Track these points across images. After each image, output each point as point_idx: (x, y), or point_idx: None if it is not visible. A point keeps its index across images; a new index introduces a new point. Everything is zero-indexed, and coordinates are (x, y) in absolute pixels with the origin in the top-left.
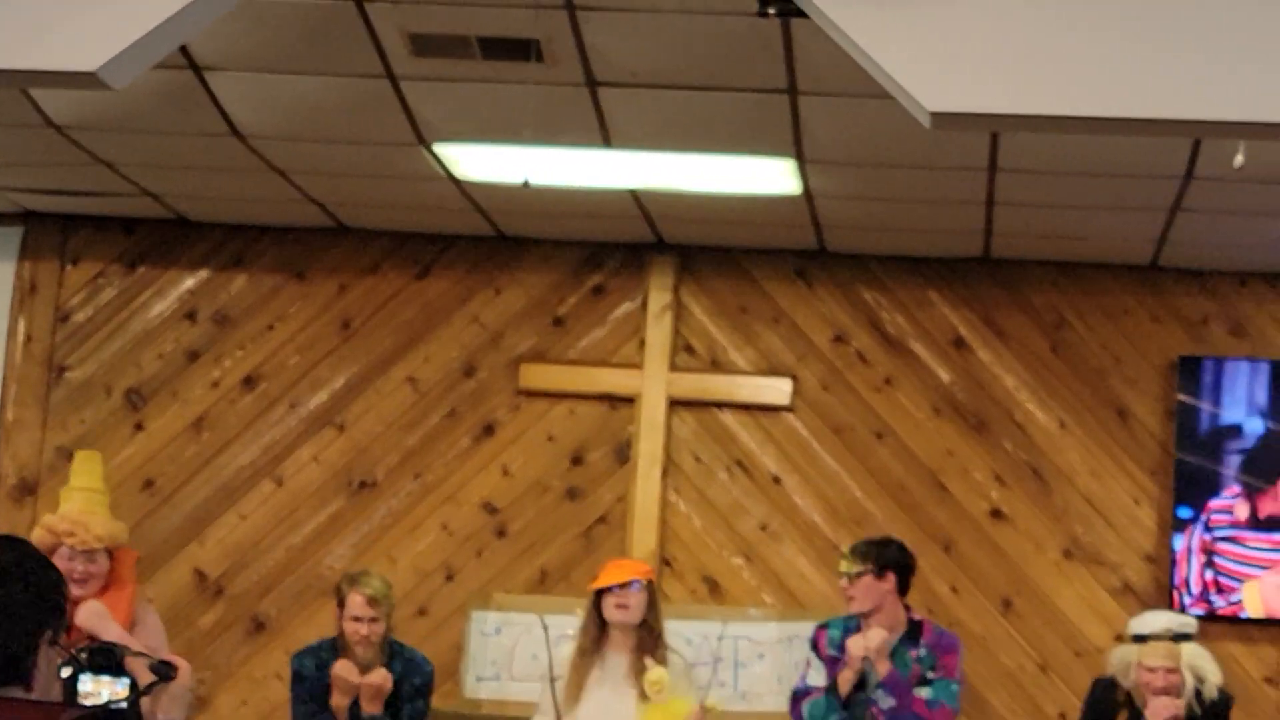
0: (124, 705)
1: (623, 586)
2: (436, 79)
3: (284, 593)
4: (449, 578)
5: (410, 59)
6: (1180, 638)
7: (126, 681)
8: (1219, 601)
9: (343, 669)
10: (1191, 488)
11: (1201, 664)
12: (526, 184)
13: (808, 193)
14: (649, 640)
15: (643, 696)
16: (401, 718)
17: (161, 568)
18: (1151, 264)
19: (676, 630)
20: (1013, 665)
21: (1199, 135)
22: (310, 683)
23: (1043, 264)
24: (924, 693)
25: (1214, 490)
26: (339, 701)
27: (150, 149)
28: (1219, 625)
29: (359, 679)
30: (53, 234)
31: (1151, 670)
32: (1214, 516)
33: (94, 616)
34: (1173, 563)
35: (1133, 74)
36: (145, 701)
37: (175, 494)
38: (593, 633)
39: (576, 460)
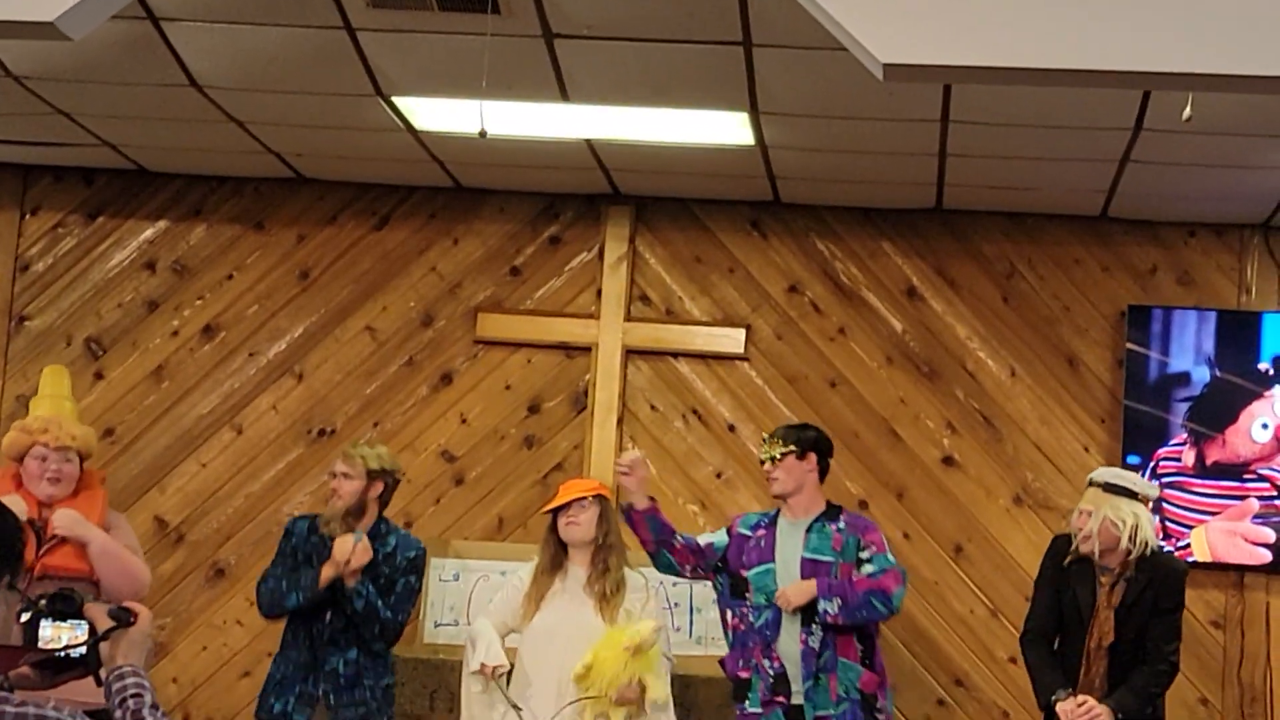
0: (83, 650)
1: (570, 504)
2: (394, 30)
3: (244, 540)
4: (407, 525)
5: (368, 11)
6: (1109, 487)
7: (85, 627)
8: (1167, 547)
9: (342, 543)
10: (1140, 435)
11: (1116, 513)
12: (483, 135)
13: (762, 144)
14: (601, 553)
15: (607, 610)
16: (396, 589)
17: (122, 515)
18: (1101, 215)
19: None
20: (963, 610)
21: (1148, 87)
22: (296, 540)
23: (994, 215)
24: (866, 569)
25: (1162, 438)
26: (327, 571)
27: (109, 99)
28: None
29: (347, 557)
30: (12, 184)
31: (1080, 513)
32: (1162, 464)
33: (72, 521)
34: None
35: (1083, 26)
36: (104, 647)
37: (135, 442)
38: (551, 550)
39: (533, 409)
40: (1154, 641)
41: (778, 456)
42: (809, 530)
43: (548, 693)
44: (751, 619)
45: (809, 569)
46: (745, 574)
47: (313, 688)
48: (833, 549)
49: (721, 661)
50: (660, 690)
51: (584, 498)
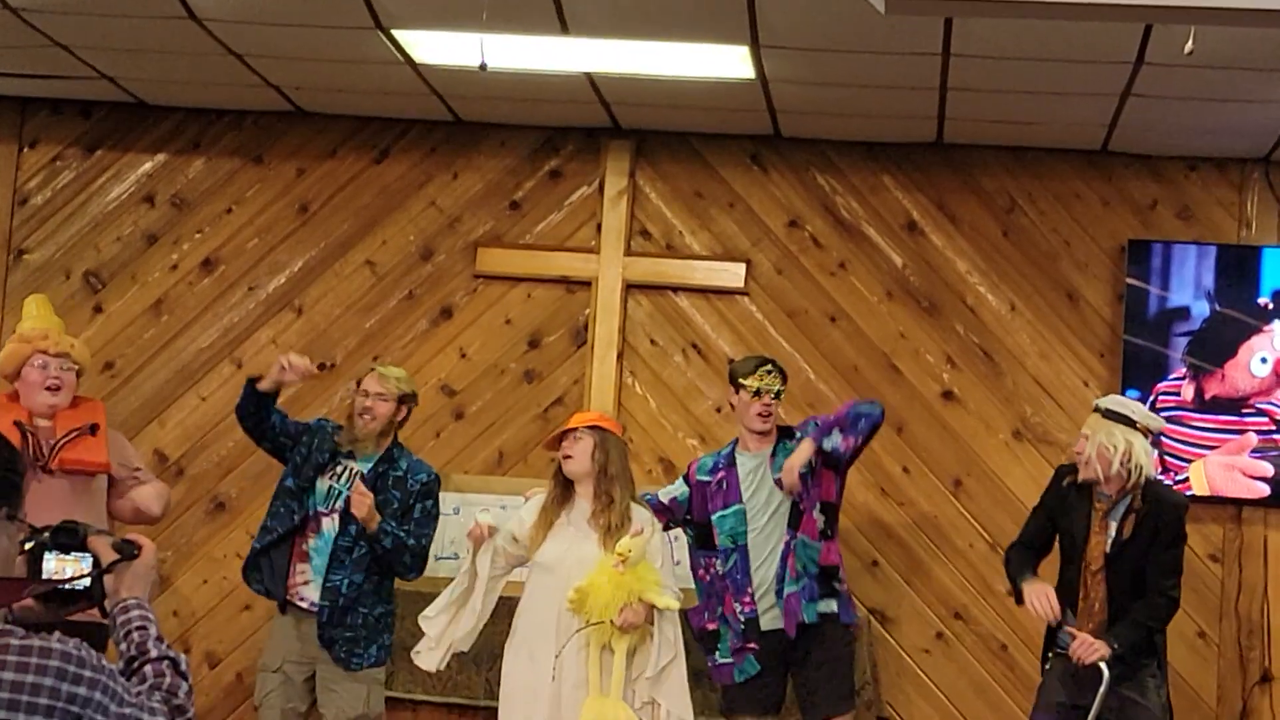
0: (87, 582)
1: (565, 436)
2: None
3: (244, 474)
4: None
5: None
6: (1109, 414)
7: (89, 559)
8: (1166, 481)
9: (300, 360)
10: (1139, 370)
11: (1114, 439)
12: (484, 68)
13: (763, 78)
14: (604, 484)
15: (604, 543)
16: (413, 515)
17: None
18: (1102, 149)
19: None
20: (963, 544)
21: (1150, 20)
22: (318, 430)
23: (995, 149)
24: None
25: (1161, 372)
26: (271, 377)
27: (107, 32)
28: None
29: (307, 368)
30: (10, 116)
31: (1080, 438)
32: (1161, 398)
33: (122, 446)
34: None
35: None
36: (109, 579)
37: (135, 376)
38: (558, 485)
39: (533, 343)
40: (1153, 576)
41: (780, 392)
42: (773, 454)
43: (548, 625)
44: (718, 566)
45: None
46: (711, 518)
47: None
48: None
49: (686, 616)
50: (666, 599)
51: (575, 429)
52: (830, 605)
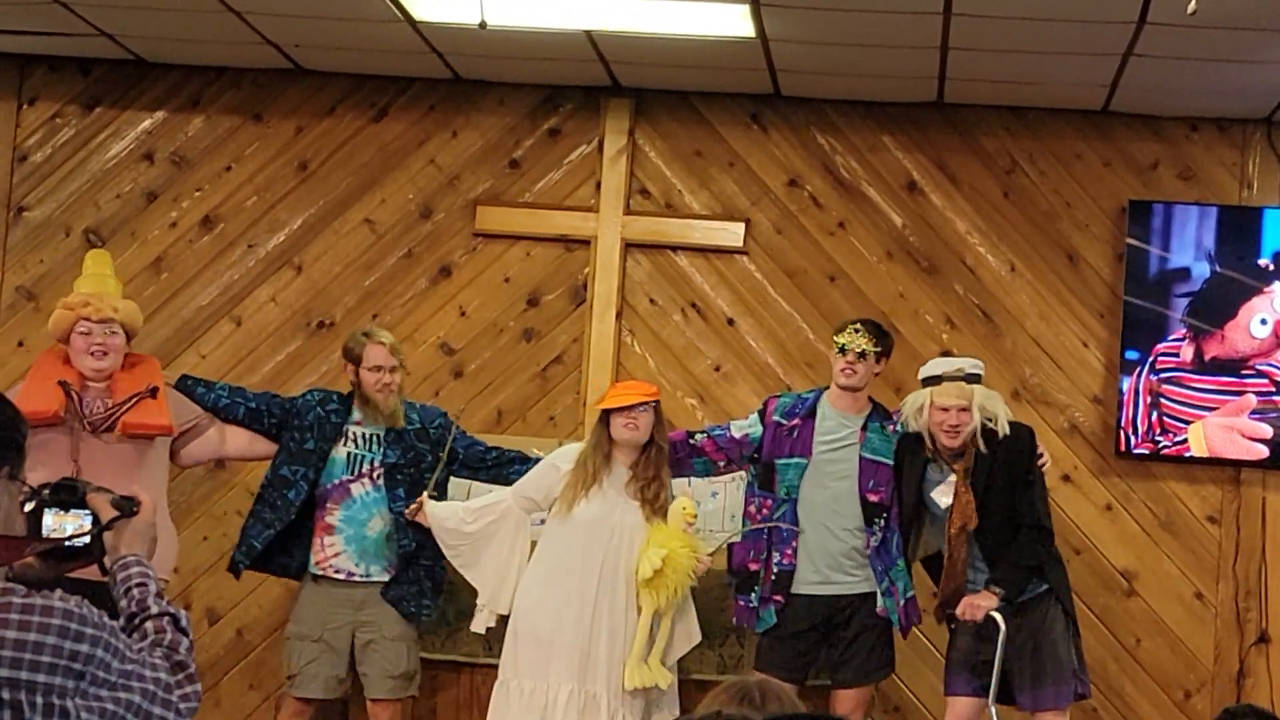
0: (87, 540)
1: (632, 408)
2: None
3: None
4: None
5: None
6: (972, 379)
7: (89, 516)
8: (1164, 442)
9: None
10: (1139, 331)
11: (990, 404)
12: (483, 26)
13: (763, 36)
14: (654, 459)
15: (652, 515)
16: (456, 455)
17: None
18: (1103, 109)
19: None
20: None
21: None
22: (304, 404)
23: (995, 109)
24: None
25: (1161, 333)
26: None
27: None
28: (1164, 465)
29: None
30: (9, 73)
31: (945, 410)
32: (1160, 359)
33: (179, 403)
34: (1120, 404)
35: None
36: (108, 536)
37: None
38: (604, 448)
39: (532, 302)
40: (1021, 515)
41: (868, 353)
42: (865, 429)
43: (582, 578)
44: (771, 511)
45: (869, 470)
46: (775, 462)
47: (259, 543)
48: (892, 449)
49: (730, 549)
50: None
51: (645, 403)
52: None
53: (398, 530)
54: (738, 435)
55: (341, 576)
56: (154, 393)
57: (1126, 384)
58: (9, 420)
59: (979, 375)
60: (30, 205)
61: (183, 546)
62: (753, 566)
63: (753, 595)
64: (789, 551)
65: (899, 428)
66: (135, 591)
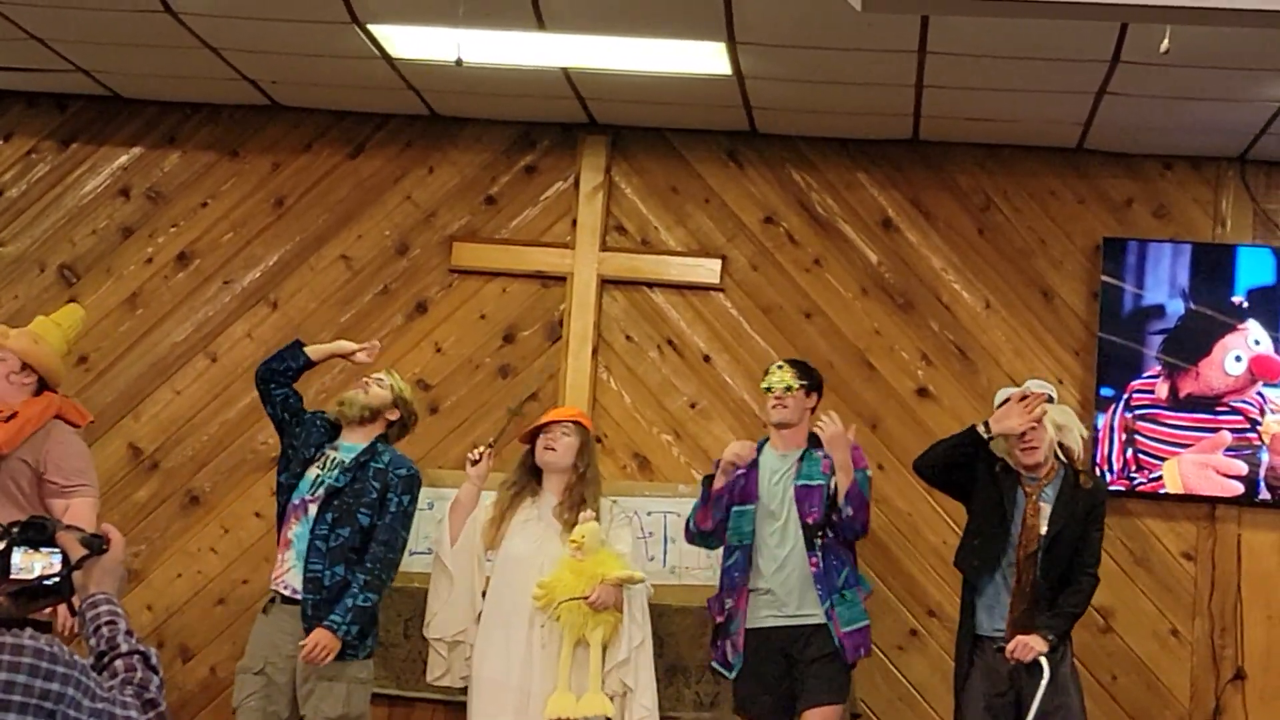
0: (56, 579)
1: (550, 426)
2: None
3: (218, 468)
4: None
5: None
6: (1048, 400)
7: (59, 555)
8: (1139, 479)
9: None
10: (1114, 367)
11: (1064, 419)
12: (460, 63)
13: (739, 74)
14: (579, 486)
15: (568, 540)
16: (389, 509)
17: (96, 442)
18: (1078, 147)
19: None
20: (936, 541)
21: (1126, 19)
22: (310, 416)
23: (970, 146)
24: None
25: (1136, 370)
26: (324, 346)
27: (83, 25)
28: (1140, 501)
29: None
30: None
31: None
32: (1135, 396)
33: (65, 453)
34: (1095, 440)
35: None
36: (77, 575)
37: (109, 369)
38: (523, 472)
39: (508, 338)
40: (1081, 564)
41: (793, 387)
42: (800, 459)
43: (519, 618)
44: (723, 560)
45: (803, 495)
46: (731, 512)
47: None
48: (822, 472)
49: (708, 603)
50: (630, 570)
51: (564, 422)
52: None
53: (312, 554)
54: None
55: (289, 592)
56: (10, 417)
57: (1102, 421)
58: None
59: (1052, 396)
60: (5, 240)
61: (156, 584)
62: (719, 619)
63: (728, 644)
64: (742, 594)
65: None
66: (105, 629)
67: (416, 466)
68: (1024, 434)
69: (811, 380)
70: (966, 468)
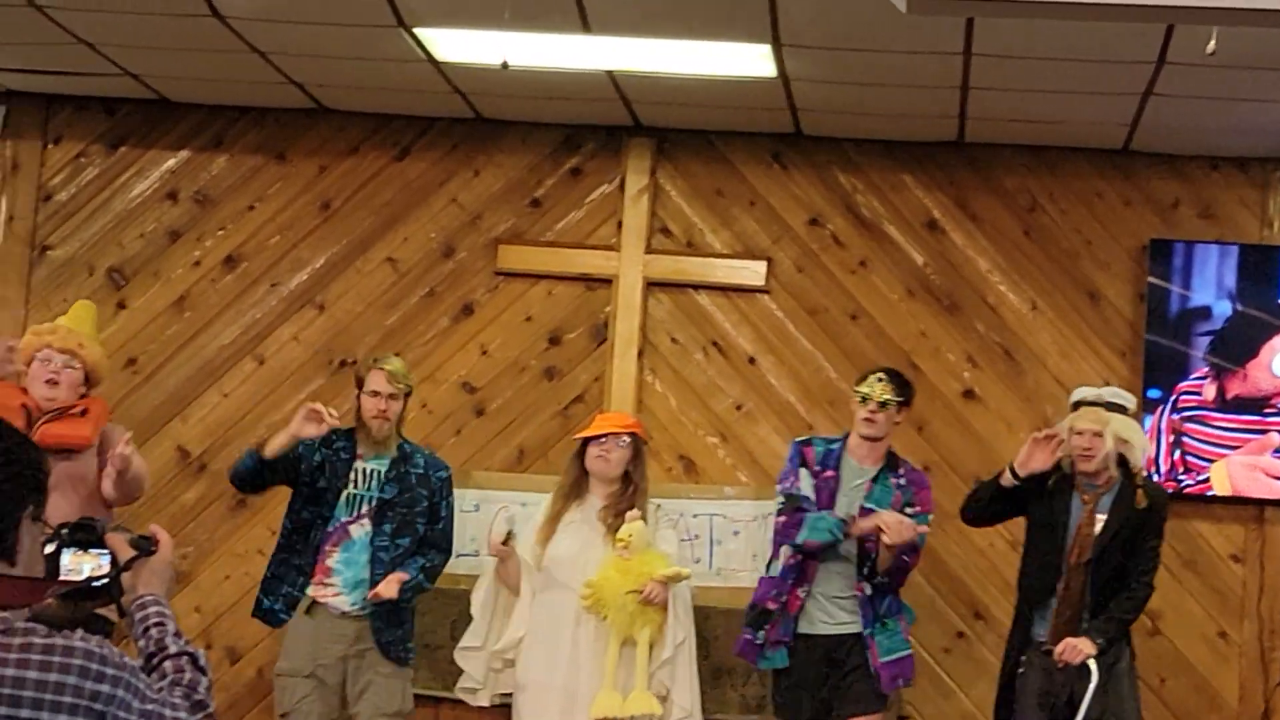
0: (105, 580)
1: (605, 438)
2: None
3: None
4: None
5: None
6: (1112, 407)
7: (108, 556)
8: (1187, 480)
9: (317, 408)
10: (1161, 369)
11: (1128, 432)
12: (505, 66)
13: (784, 77)
14: (629, 492)
15: (613, 543)
16: (439, 516)
17: (144, 444)
18: (1124, 148)
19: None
20: (983, 543)
21: (1172, 21)
22: (306, 447)
23: (1016, 148)
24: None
25: (1183, 372)
26: (281, 439)
27: (130, 29)
28: (1187, 504)
29: (333, 422)
30: (34, 113)
31: (1079, 433)
32: (1183, 398)
33: (116, 435)
34: None
35: None
36: (126, 576)
37: (157, 372)
38: (573, 476)
39: (554, 340)
40: (1136, 571)
41: (889, 403)
42: (875, 480)
43: (564, 621)
44: (788, 555)
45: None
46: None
47: (299, 592)
48: (891, 506)
49: (760, 582)
50: (676, 567)
51: (622, 435)
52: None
53: (376, 566)
54: (808, 496)
55: (337, 615)
56: (83, 412)
57: (1149, 423)
58: (33, 461)
59: (1123, 407)
60: (54, 244)
61: (204, 586)
62: (770, 605)
63: (760, 634)
64: (799, 594)
65: (902, 481)
66: (153, 631)
67: (445, 461)
68: (1085, 445)
69: (906, 397)
70: (1012, 498)
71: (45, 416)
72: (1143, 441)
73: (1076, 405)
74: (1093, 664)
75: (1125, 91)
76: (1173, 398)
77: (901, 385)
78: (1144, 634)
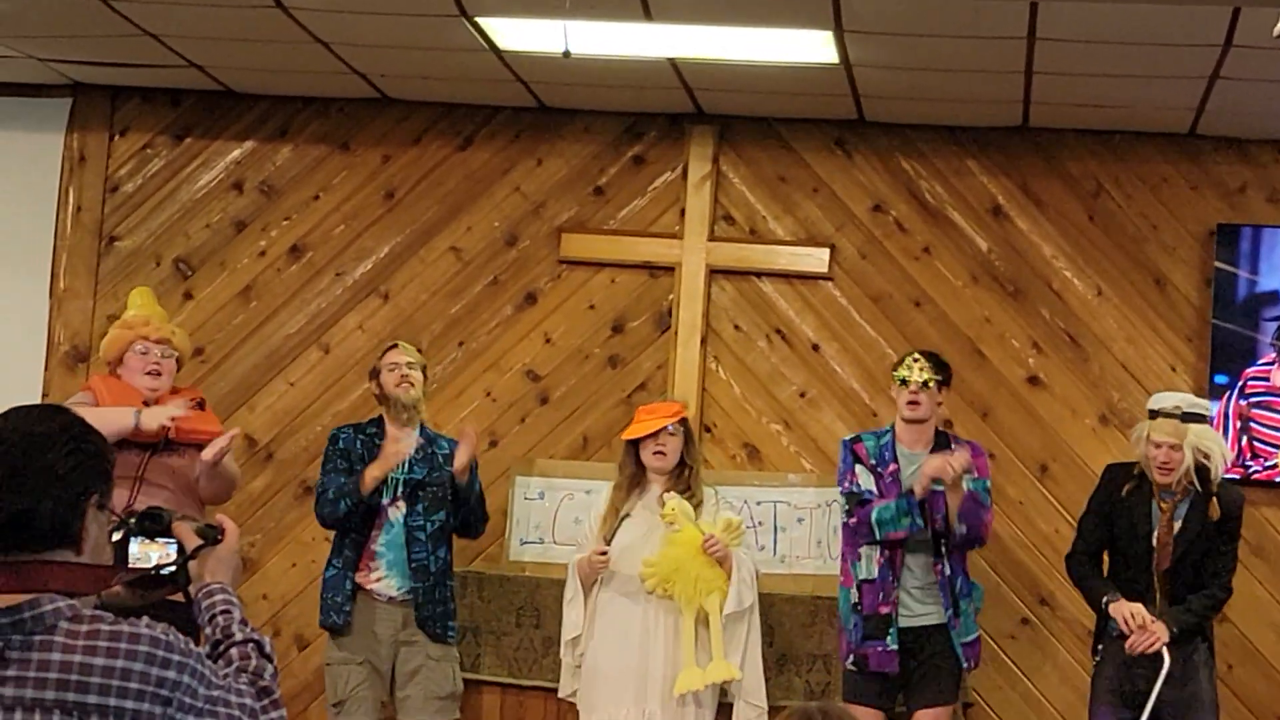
0: (172, 568)
1: (656, 434)
2: None
3: None
4: (493, 444)
5: None
6: (1189, 417)
7: (175, 544)
8: (1254, 466)
9: (395, 444)
10: (1228, 355)
11: (1207, 443)
12: (567, 54)
13: (846, 63)
14: (685, 475)
15: (662, 519)
16: (468, 490)
17: None
18: (1190, 132)
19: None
20: (1048, 530)
21: (1238, 4)
22: (345, 443)
23: (1081, 133)
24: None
25: (1251, 357)
26: (374, 472)
27: (195, 21)
28: (1255, 490)
29: (405, 449)
30: (101, 105)
31: (1157, 445)
32: (1250, 383)
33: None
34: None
35: None
36: (193, 564)
37: (224, 361)
38: (629, 471)
39: (617, 328)
40: (1215, 572)
41: (930, 383)
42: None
43: (632, 608)
44: (879, 555)
45: (941, 501)
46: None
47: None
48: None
49: (861, 592)
50: (727, 514)
51: (669, 425)
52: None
53: (413, 546)
54: (871, 490)
55: (384, 600)
56: (201, 405)
57: (1216, 408)
58: (99, 449)
59: (1201, 415)
60: (121, 235)
61: (271, 573)
62: (883, 610)
63: (888, 639)
64: (894, 599)
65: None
66: (220, 619)
67: None
68: (1163, 459)
69: (945, 376)
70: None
71: (178, 416)
72: (1223, 449)
73: (1154, 414)
74: (1165, 651)
75: (1191, 75)
76: (1240, 383)
77: (939, 364)
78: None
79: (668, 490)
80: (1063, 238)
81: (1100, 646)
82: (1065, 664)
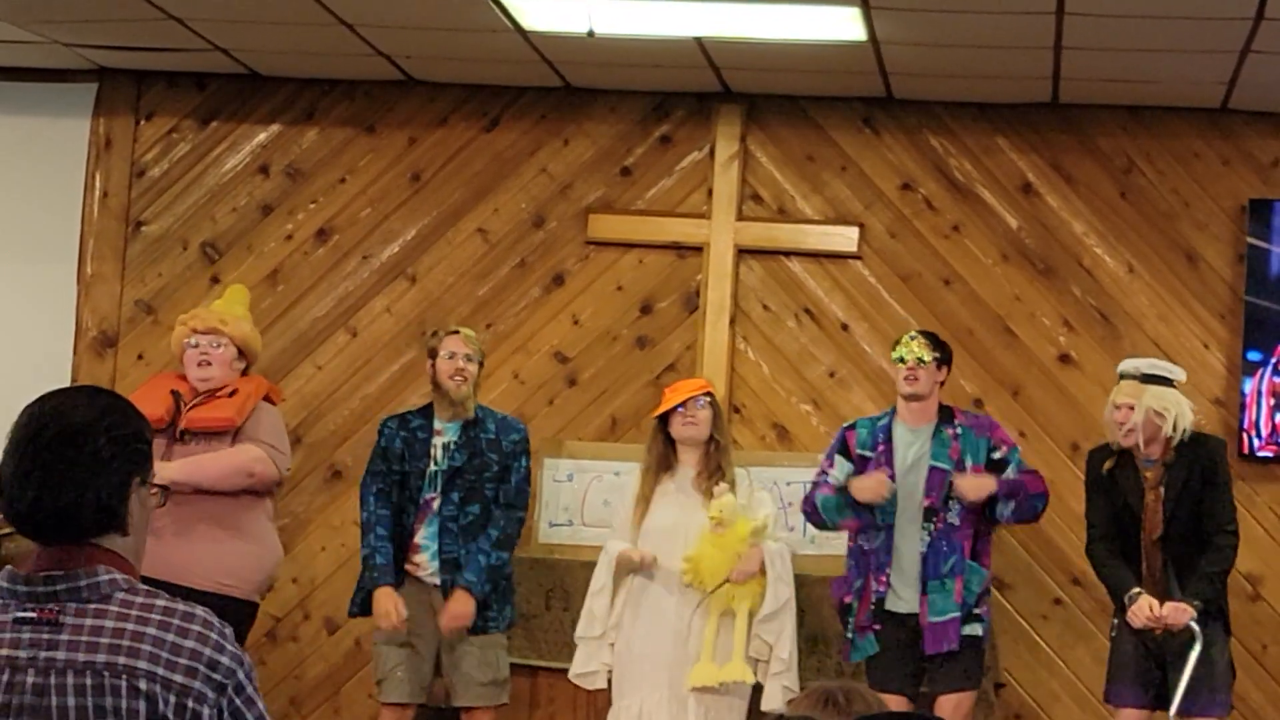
0: None
1: (687, 404)
2: None
3: (360, 441)
4: None
5: None
6: (1150, 379)
7: None
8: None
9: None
10: (1261, 331)
11: (1163, 403)
12: (591, 34)
13: (874, 40)
14: (714, 451)
15: (709, 516)
16: (510, 477)
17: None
18: (1221, 107)
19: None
20: (1080, 509)
21: None
22: (386, 440)
23: (1111, 108)
24: (1009, 471)
25: None
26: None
27: (220, 4)
28: None
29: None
30: (126, 90)
31: (1116, 407)
32: None
33: (261, 420)
34: (1242, 406)
35: None
36: None
37: None
38: (657, 452)
39: (645, 309)
40: (1211, 522)
41: (926, 360)
42: (932, 437)
43: (667, 592)
44: (863, 542)
45: (937, 477)
46: None
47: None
48: (950, 457)
49: (830, 585)
50: (753, 521)
51: (699, 396)
52: (975, 629)
53: (444, 536)
54: (843, 480)
55: (430, 585)
56: (232, 393)
57: (1249, 385)
58: (140, 430)
59: (1164, 378)
60: (148, 219)
61: (300, 557)
62: (846, 599)
63: (847, 626)
64: (883, 578)
65: (958, 430)
66: None
67: (521, 422)
68: (1119, 419)
69: (943, 353)
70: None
71: (195, 400)
72: (1180, 411)
73: (1121, 378)
74: (1195, 626)
75: (1222, 49)
76: (1274, 360)
77: (936, 342)
78: (1244, 599)
79: (700, 471)
80: (1094, 214)
81: (1116, 621)
82: (1098, 644)
